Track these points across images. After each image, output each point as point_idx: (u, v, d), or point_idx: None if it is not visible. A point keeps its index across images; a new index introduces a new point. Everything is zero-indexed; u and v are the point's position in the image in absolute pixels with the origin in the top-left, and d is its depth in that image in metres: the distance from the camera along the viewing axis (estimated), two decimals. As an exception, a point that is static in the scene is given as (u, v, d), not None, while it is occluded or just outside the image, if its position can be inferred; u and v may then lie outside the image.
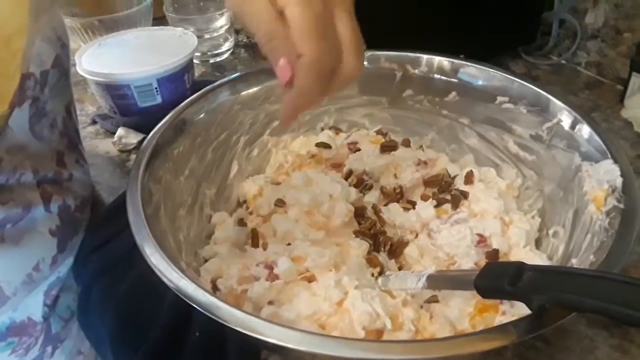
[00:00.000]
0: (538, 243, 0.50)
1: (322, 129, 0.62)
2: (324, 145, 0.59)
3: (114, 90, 0.67)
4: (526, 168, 0.54)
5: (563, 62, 0.83)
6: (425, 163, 0.56)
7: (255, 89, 0.56)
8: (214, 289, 0.46)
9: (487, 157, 0.57)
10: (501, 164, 0.56)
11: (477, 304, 0.43)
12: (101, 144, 0.68)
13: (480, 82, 0.56)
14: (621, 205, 0.41)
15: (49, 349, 0.49)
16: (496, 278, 0.35)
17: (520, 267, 0.34)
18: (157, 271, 0.36)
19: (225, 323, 0.33)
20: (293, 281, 0.45)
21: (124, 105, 0.68)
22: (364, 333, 0.41)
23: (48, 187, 0.48)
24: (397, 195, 0.53)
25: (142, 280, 0.48)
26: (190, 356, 0.45)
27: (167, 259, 0.37)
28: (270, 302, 0.44)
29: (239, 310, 0.34)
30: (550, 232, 0.49)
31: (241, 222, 0.52)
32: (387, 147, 0.57)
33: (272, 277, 0.45)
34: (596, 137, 0.47)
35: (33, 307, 0.47)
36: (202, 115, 0.52)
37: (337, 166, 0.58)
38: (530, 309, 0.33)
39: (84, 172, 0.55)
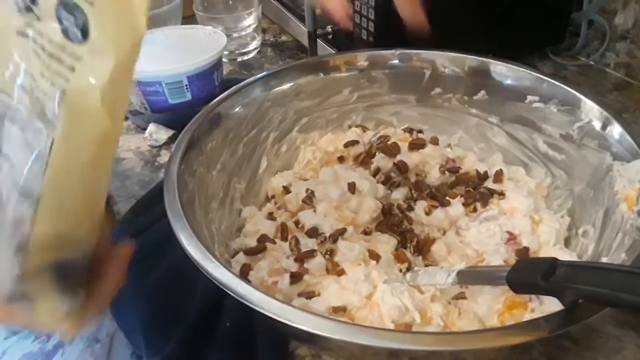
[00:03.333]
0: (567, 242, 0.50)
1: (350, 127, 0.62)
2: (352, 144, 0.59)
3: (146, 87, 0.68)
4: (556, 167, 0.54)
5: (591, 63, 0.82)
6: (454, 161, 0.57)
7: (285, 86, 0.57)
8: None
9: (515, 156, 0.57)
10: (530, 163, 0.56)
11: (506, 301, 0.43)
12: (132, 139, 0.70)
13: (510, 81, 0.56)
14: (654, 205, 0.41)
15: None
16: (529, 273, 0.35)
17: (553, 262, 0.34)
18: (194, 260, 0.37)
19: (261, 311, 0.34)
20: (322, 274, 0.46)
21: (155, 102, 0.70)
22: (393, 326, 0.41)
23: None
24: (427, 193, 0.53)
25: (174, 270, 0.49)
26: (220, 345, 0.46)
27: (204, 249, 0.38)
28: (300, 294, 0.44)
29: (275, 299, 0.35)
30: (580, 231, 0.49)
31: (270, 216, 0.53)
32: (416, 145, 0.58)
33: (303, 270, 0.46)
34: (628, 137, 0.47)
35: None
36: (236, 110, 0.53)
37: (365, 163, 0.58)
38: (563, 304, 0.33)
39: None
